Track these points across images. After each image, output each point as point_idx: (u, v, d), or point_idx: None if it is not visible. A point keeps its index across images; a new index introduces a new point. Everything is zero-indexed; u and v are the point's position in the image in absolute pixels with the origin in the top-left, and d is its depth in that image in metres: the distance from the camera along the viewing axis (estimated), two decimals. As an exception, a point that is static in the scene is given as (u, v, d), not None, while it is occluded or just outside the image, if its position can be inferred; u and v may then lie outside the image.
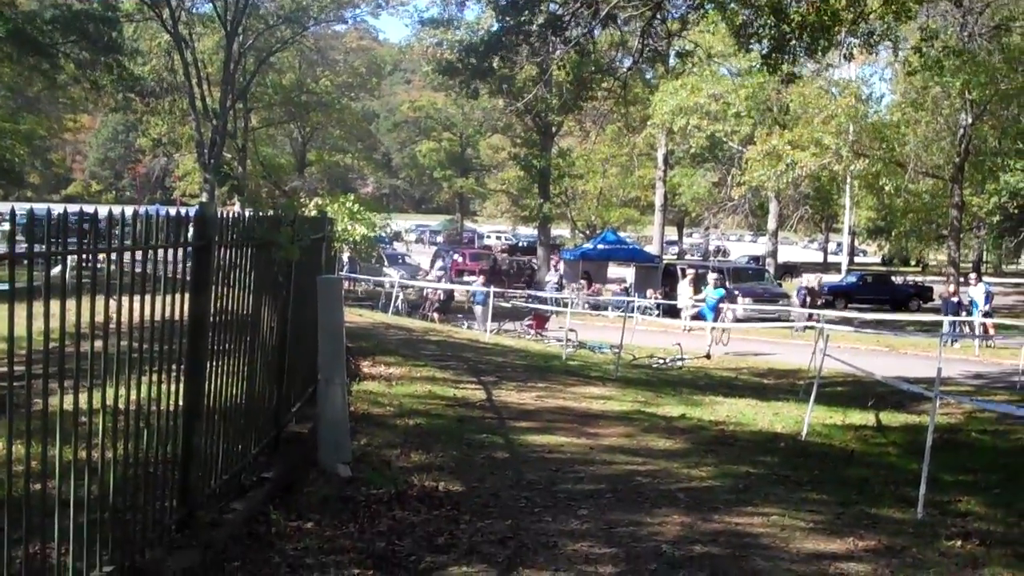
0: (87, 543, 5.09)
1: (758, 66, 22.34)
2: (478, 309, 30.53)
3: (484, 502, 8.34)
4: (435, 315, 33.43)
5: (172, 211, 6.29)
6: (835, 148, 40.00)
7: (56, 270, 5.04)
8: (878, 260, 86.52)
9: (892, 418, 14.90)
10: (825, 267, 78.05)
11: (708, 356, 24.27)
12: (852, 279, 51.24)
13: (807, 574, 6.74)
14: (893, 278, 53.41)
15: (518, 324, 30.17)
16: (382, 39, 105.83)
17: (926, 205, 46.56)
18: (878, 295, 48.01)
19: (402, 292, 35.61)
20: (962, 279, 39.39)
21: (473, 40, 39.23)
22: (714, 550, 7.19)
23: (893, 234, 57.89)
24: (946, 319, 31.15)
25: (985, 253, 68.68)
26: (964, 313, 32.61)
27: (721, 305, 29.50)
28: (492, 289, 30.94)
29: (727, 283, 39.70)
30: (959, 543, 7.69)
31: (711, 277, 32.52)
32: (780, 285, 46.96)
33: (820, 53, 19.17)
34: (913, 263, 78.07)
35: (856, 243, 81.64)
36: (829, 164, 41.08)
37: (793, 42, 17.80)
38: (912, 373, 18.06)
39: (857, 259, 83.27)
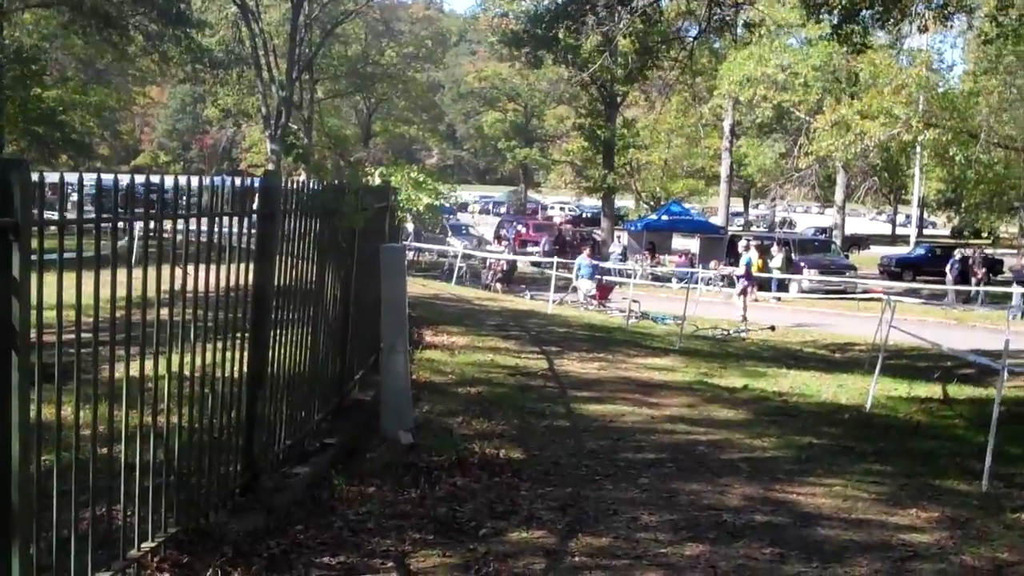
0: (152, 506, 5.20)
1: (828, 36, 21.98)
2: (584, 284, 29.98)
3: (544, 470, 8.37)
4: (498, 285, 33.52)
5: (238, 181, 6.37)
6: (905, 118, 39.36)
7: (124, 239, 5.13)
8: (947, 232, 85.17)
9: (959, 391, 14.70)
10: (893, 239, 77.10)
11: (772, 328, 24.10)
12: (921, 251, 50.52)
13: (869, 544, 6.70)
14: (963, 250, 52.56)
15: (572, 295, 30.06)
16: (447, 9, 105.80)
17: (998, 176, 45.67)
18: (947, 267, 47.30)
19: (465, 262, 35.69)
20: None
21: (538, 10, 39.12)
22: (775, 519, 7.18)
23: (963, 206, 56.86)
24: (1016, 290, 30.68)
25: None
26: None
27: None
28: (582, 260, 30.49)
29: (792, 254, 39.44)
30: (1024, 516, 7.61)
31: (774, 249, 32.41)
32: (847, 257, 46.45)
33: (892, 24, 18.85)
34: (984, 235, 76.74)
35: (925, 215, 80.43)
36: (898, 134, 40.41)
37: (864, 13, 17.52)
38: (981, 346, 17.80)
39: (926, 231, 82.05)
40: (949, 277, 35.33)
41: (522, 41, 43.77)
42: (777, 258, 36.62)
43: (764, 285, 35.77)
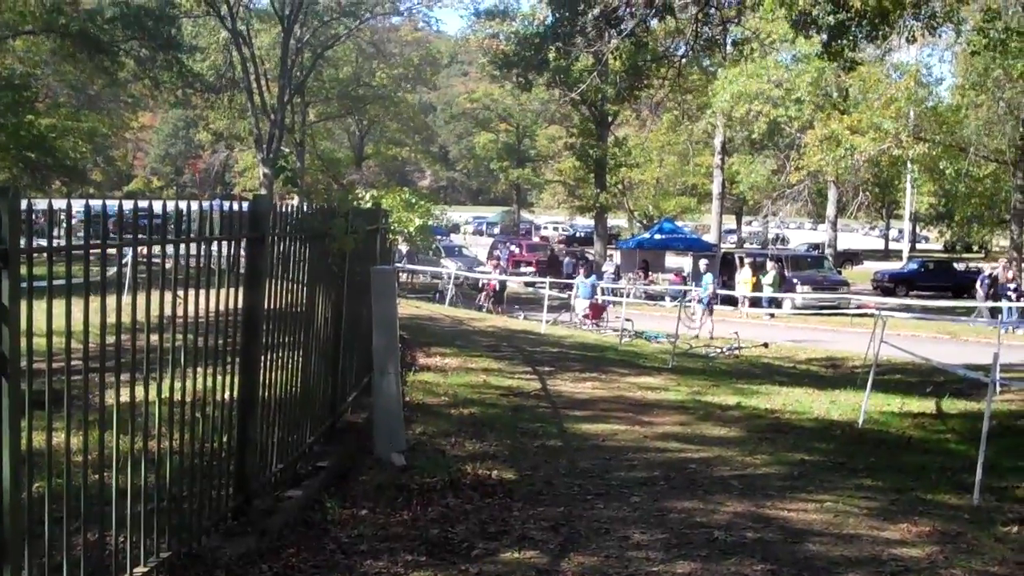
0: (145, 530, 5.22)
1: (818, 53, 22.12)
2: (580, 304, 29.80)
3: (537, 490, 8.40)
4: (490, 305, 33.55)
5: (230, 206, 6.41)
6: (895, 132, 39.53)
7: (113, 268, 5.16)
8: (940, 246, 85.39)
9: (951, 405, 14.73)
10: (886, 254, 77.28)
11: (766, 345, 24.13)
12: (913, 266, 50.68)
13: (860, 559, 6.72)
14: (955, 264, 52.73)
15: (573, 315, 30.07)
16: (438, 31, 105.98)
17: (988, 190, 45.85)
18: (940, 282, 47.45)
19: (458, 284, 35.71)
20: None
21: (528, 32, 39.26)
22: (767, 536, 7.20)
23: (955, 220, 57.04)
24: (1004, 305, 30.78)
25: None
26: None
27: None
28: (587, 281, 30.49)
29: (786, 270, 39.54)
30: (1015, 529, 7.63)
31: (769, 264, 32.45)
32: (840, 273, 46.58)
33: (881, 38, 18.97)
34: (976, 249, 76.92)
35: (917, 229, 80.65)
36: (888, 149, 40.59)
37: (853, 29, 17.61)
38: (973, 360, 17.83)
39: (919, 246, 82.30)
40: (980, 293, 34.90)
41: (512, 64, 43.99)
42: (770, 275, 36.69)
43: (756, 302, 35.88)
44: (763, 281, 36.68)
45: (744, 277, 37.71)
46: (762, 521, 7.61)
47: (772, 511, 7.91)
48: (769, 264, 38.05)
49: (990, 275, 35.96)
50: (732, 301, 36.10)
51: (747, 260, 39.91)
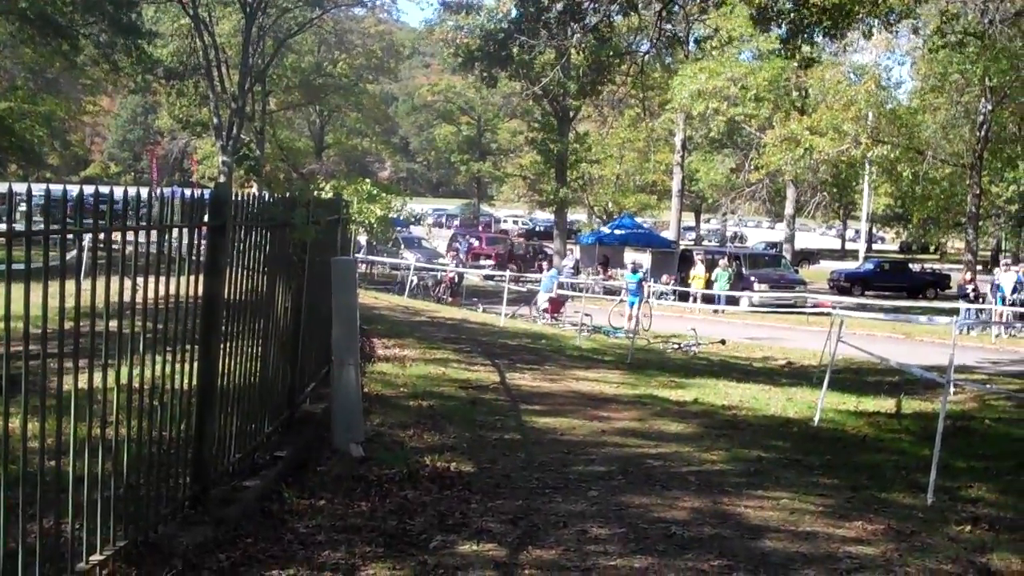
0: (101, 518, 5.17)
1: (777, 50, 22.24)
2: (541, 297, 29.92)
3: (495, 483, 8.40)
4: (448, 297, 33.56)
5: (189, 193, 6.36)
6: (853, 134, 39.86)
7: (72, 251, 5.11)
8: (896, 247, 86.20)
9: (906, 405, 14.87)
10: (843, 254, 77.89)
11: (723, 341, 24.26)
12: (869, 266, 51.11)
13: (815, 556, 6.76)
14: (911, 266, 53.23)
15: (533, 308, 30.12)
16: (401, 22, 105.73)
17: (944, 192, 46.33)
18: (896, 282, 47.89)
19: (418, 275, 35.66)
20: (980, 267, 39.18)
21: (492, 27, 39.17)
22: (723, 532, 7.23)
23: (911, 221, 57.59)
24: (962, 305, 31.11)
25: (1004, 241, 68.37)
26: (981, 301, 32.44)
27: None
28: (561, 276, 30.37)
29: (743, 268, 39.77)
30: (968, 528, 7.71)
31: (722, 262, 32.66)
32: (797, 271, 46.89)
33: (839, 36, 19.12)
34: (932, 250, 77.74)
35: (874, 230, 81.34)
36: (847, 150, 40.93)
37: (812, 25, 17.74)
38: (928, 360, 18.00)
39: (875, 246, 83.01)
40: (990, 299, 34.39)
41: (476, 59, 43.87)
42: (721, 272, 37.06)
43: (710, 299, 36.10)
44: (714, 278, 37.00)
45: (697, 273, 37.97)
46: (719, 517, 7.64)
47: (729, 507, 7.95)
48: (722, 262, 38.33)
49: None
50: (686, 297, 36.32)
51: (698, 257, 40.18)
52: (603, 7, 21.82)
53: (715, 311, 34.53)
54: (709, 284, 36.89)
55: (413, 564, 6.20)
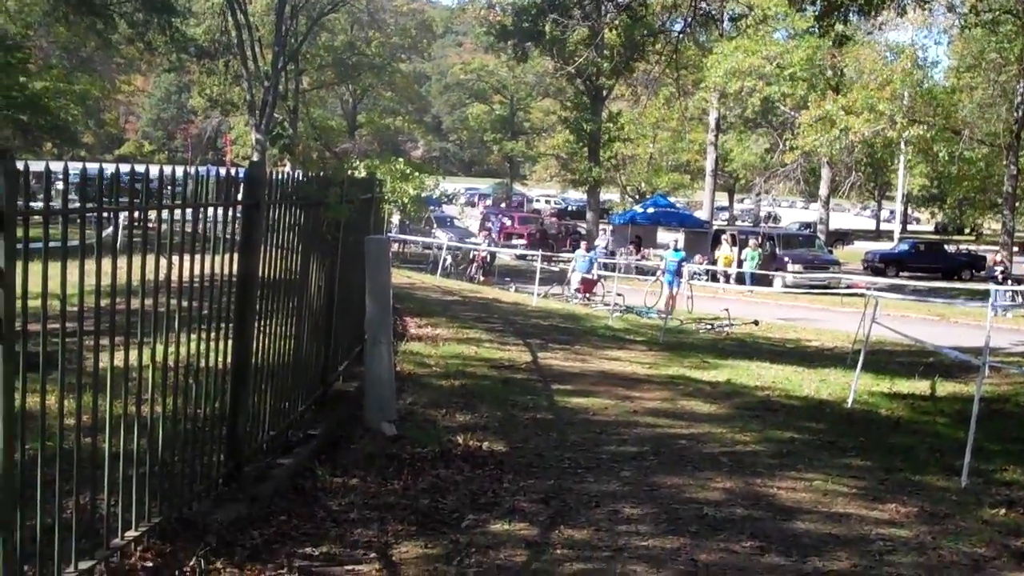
0: (136, 495, 5.21)
1: (809, 28, 22.07)
2: (575, 277, 29.64)
3: (527, 462, 8.42)
4: (480, 276, 33.56)
5: (223, 172, 6.37)
6: (889, 114, 39.49)
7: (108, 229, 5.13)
8: (931, 228, 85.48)
9: (941, 387, 14.76)
10: (877, 235, 77.30)
11: (756, 322, 24.14)
12: (904, 247, 50.69)
13: (848, 538, 6.75)
14: (946, 247, 52.75)
15: (566, 288, 30.07)
16: (434, 0, 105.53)
17: (980, 173, 45.84)
18: (931, 263, 47.47)
19: (451, 254, 35.67)
20: (1016, 248, 38.83)
21: (525, 2, 39.11)
22: (755, 513, 7.22)
23: (947, 202, 57.09)
24: (992, 287, 30.87)
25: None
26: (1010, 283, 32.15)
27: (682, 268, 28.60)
28: (588, 255, 30.20)
29: (777, 248, 39.61)
30: (1003, 511, 7.66)
31: (751, 241, 32.44)
32: (831, 252, 46.57)
33: (873, 13, 18.93)
34: (967, 231, 77.09)
35: (909, 211, 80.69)
36: (883, 130, 40.55)
37: (846, 2, 17.55)
38: (962, 342, 17.88)
39: (910, 227, 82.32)
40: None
41: (509, 33, 43.80)
42: (749, 252, 36.92)
43: (738, 279, 35.96)
44: (744, 258, 36.86)
45: (723, 253, 37.83)
46: (751, 498, 7.63)
47: (761, 488, 7.94)
48: (751, 241, 38.15)
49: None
50: (718, 277, 36.23)
51: (724, 237, 40.00)
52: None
53: (749, 291, 34.35)
54: (737, 264, 36.73)
55: (445, 542, 6.23)
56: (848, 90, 42.65)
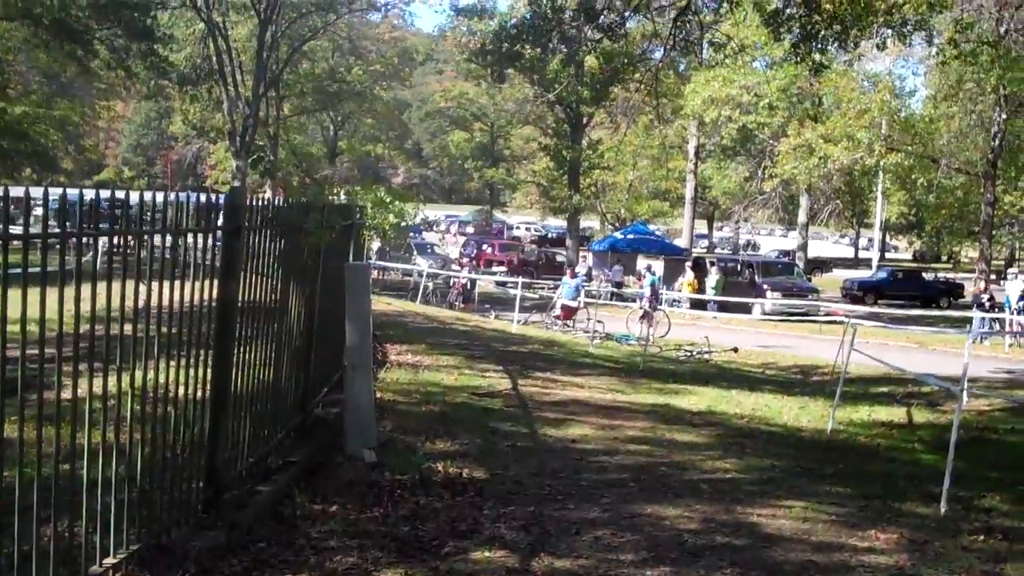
0: (115, 522, 5.18)
1: (788, 56, 22.20)
2: (559, 303, 29.56)
3: (507, 489, 8.39)
4: (460, 303, 33.56)
5: (203, 198, 6.36)
6: (867, 142, 39.74)
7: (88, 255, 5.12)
8: (909, 256, 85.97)
9: (919, 414, 14.84)
10: (856, 262, 77.67)
11: (735, 349, 24.20)
12: (883, 275, 50.91)
13: (828, 566, 6.75)
14: (924, 274, 53.03)
15: (545, 315, 30.07)
16: (414, 28, 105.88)
17: (958, 201, 46.18)
18: (909, 291, 47.70)
19: (431, 281, 35.66)
20: (993, 276, 39.05)
21: (505, 26, 39.26)
22: (736, 541, 7.22)
23: (925, 230, 57.41)
24: (976, 315, 31.01)
25: (1017, 250, 68.16)
26: (997, 311, 32.29)
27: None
28: (580, 282, 30.28)
29: (756, 276, 39.78)
30: (981, 538, 7.68)
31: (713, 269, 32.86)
32: (810, 280, 46.76)
33: (852, 44, 19.07)
34: (945, 259, 77.50)
35: (887, 239, 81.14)
36: (861, 159, 40.79)
37: (823, 32, 17.68)
38: (941, 370, 17.95)
39: (888, 255, 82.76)
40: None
41: (487, 54, 43.91)
42: (713, 278, 37.19)
43: (701, 305, 36.15)
44: (707, 284, 37.16)
45: (687, 279, 38.06)
46: (732, 526, 7.62)
47: (742, 516, 7.93)
48: (713, 268, 38.50)
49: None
50: (699, 305, 36.37)
51: (687, 264, 40.29)
52: (617, 8, 21.84)
53: (713, 317, 34.49)
54: (700, 291, 37.02)
55: (425, 570, 6.20)
56: (826, 118, 42.94)
